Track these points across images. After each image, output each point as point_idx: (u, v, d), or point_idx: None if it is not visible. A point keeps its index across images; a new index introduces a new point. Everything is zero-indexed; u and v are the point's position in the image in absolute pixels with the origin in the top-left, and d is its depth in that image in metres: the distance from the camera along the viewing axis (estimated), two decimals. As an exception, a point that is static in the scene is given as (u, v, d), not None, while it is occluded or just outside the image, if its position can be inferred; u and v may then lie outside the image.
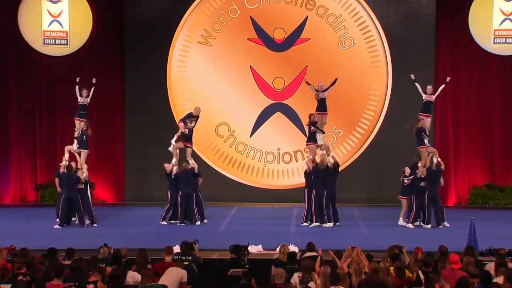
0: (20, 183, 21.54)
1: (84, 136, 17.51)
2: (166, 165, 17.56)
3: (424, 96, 17.52)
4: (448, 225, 16.91)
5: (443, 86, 17.91)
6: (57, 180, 17.32)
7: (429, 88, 17.55)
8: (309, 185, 17.24)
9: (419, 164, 17.14)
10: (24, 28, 21.41)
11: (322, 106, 17.68)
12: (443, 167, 17.17)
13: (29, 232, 16.01)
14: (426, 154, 17.17)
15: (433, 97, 17.58)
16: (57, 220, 16.91)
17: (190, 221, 17.25)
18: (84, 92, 17.73)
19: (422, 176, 16.97)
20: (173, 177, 17.41)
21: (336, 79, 17.73)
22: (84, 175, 17.04)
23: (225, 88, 21.45)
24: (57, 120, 21.39)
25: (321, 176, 17.06)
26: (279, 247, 12.16)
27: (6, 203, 21.26)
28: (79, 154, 17.51)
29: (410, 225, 17.03)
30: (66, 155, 17.45)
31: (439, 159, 17.22)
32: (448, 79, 18.17)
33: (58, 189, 17.21)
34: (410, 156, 17.73)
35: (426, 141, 17.29)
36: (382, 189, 20.84)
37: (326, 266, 9.23)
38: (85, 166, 17.35)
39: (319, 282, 9.14)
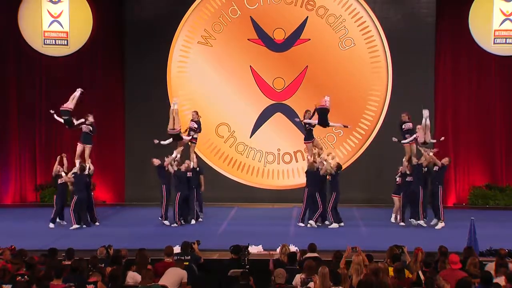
0: (20, 184, 21.57)
1: (90, 130, 17.62)
2: (154, 160, 17.33)
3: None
4: (439, 227, 16.74)
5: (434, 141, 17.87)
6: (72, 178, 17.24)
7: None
8: (321, 187, 17.29)
9: (403, 159, 17.25)
10: (24, 28, 21.43)
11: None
12: (438, 162, 17.06)
13: (29, 232, 16.02)
14: (409, 149, 17.23)
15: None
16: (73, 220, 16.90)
17: (185, 220, 17.23)
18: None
19: (407, 172, 17.05)
20: (172, 172, 17.20)
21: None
22: (90, 169, 17.32)
23: (225, 88, 21.45)
24: (57, 120, 21.34)
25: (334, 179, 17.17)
26: (279, 247, 12.16)
27: (6, 203, 21.28)
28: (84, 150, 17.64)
29: (401, 223, 17.13)
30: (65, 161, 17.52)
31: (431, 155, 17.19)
32: (442, 138, 18.30)
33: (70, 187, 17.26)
34: (410, 156, 17.76)
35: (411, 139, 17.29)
36: (382, 189, 20.76)
37: (324, 267, 9.21)
38: (89, 160, 17.53)
39: (318, 282, 9.13)
